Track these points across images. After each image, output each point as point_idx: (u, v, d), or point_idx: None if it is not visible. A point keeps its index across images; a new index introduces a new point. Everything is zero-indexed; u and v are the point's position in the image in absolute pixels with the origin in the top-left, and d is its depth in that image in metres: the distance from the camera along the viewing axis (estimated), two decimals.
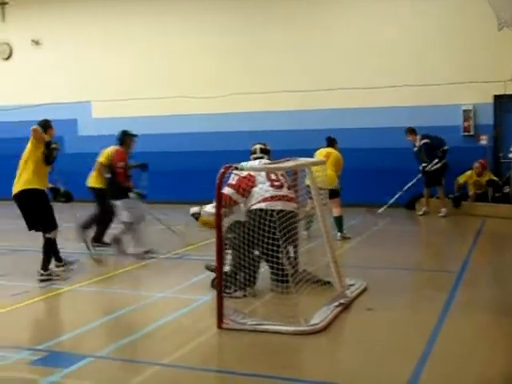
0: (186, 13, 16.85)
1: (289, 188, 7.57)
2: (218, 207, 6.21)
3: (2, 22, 18.48)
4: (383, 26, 15.32)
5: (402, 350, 5.49)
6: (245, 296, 7.13)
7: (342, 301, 6.72)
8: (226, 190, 7.18)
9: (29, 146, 8.33)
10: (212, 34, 16.57)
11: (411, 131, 14.12)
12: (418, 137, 14.02)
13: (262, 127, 15.37)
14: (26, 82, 18.33)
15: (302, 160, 7.63)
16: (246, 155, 8.11)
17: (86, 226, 10.23)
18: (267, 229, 6.95)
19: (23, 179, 8.28)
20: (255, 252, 7.14)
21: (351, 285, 7.41)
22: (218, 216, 6.19)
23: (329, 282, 7.26)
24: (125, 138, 10.01)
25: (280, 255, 6.97)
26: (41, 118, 17.67)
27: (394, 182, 14.30)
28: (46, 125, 8.87)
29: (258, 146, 8.12)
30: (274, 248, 7.00)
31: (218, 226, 6.18)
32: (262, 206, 7.22)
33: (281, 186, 7.46)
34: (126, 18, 17.33)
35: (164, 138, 17.00)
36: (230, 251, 7.34)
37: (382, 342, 5.75)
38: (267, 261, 7.10)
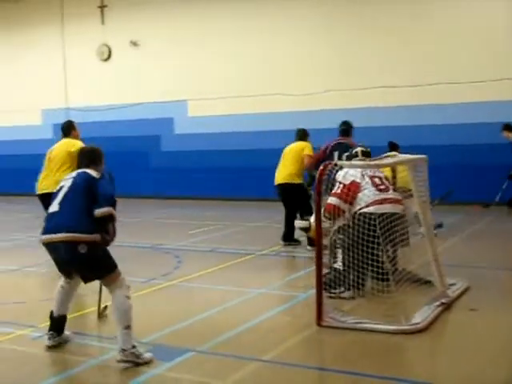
0: (277, 10, 16.86)
1: (394, 190, 7.47)
2: (317, 210, 6.15)
3: (101, 24, 19.05)
4: None
5: (506, 354, 5.30)
6: (353, 298, 6.98)
7: (443, 300, 6.56)
8: (333, 201, 7.14)
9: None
10: (304, 31, 16.52)
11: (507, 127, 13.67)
12: None
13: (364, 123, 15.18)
14: (124, 83, 18.85)
15: (402, 157, 7.50)
16: None
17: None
18: (372, 228, 6.84)
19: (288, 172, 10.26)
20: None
21: (452, 284, 7.22)
22: (318, 219, 6.13)
23: (429, 281, 7.10)
24: None
25: (380, 253, 6.88)
26: (139, 116, 18.47)
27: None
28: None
29: (359, 149, 8.00)
30: (379, 248, 6.90)
31: (318, 232, 6.13)
32: (371, 209, 7.07)
33: (387, 189, 7.35)
34: (220, 18, 17.51)
35: (257, 135, 17.08)
36: (340, 250, 7.32)
37: (485, 345, 5.58)
38: (368, 259, 7.00)
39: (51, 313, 5.69)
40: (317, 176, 6.12)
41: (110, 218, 5.32)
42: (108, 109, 18.91)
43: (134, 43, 18.62)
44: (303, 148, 10.42)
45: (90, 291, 6.48)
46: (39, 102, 20.15)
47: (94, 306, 6.57)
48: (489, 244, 10.29)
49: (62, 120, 19.59)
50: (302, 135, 10.72)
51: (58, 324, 5.68)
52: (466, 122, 14.96)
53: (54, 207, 5.38)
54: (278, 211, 14.55)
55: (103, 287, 6.15)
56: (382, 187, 7.33)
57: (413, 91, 15.32)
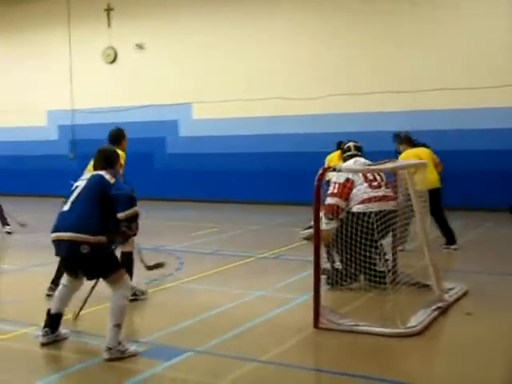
0: (283, 15, 16.96)
1: (387, 187, 7.56)
2: (316, 212, 6.24)
3: (107, 27, 19.18)
4: None
5: (499, 359, 5.38)
6: (360, 288, 7.36)
7: (439, 304, 6.64)
8: (333, 200, 7.25)
9: None
10: (308, 35, 16.62)
11: None
12: None
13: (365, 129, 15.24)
14: (129, 85, 18.97)
15: (402, 162, 7.60)
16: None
17: None
18: (365, 230, 6.98)
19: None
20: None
21: (450, 289, 7.30)
22: (316, 219, 6.22)
23: (427, 285, 7.18)
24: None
25: (377, 256, 6.98)
26: (144, 119, 18.57)
27: None
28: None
29: (351, 144, 8.08)
30: (372, 249, 7.04)
31: (316, 229, 6.22)
32: (360, 208, 7.26)
33: (379, 186, 7.45)
34: (225, 22, 17.62)
35: (262, 138, 17.17)
36: (334, 249, 7.49)
37: (480, 348, 5.65)
38: (364, 262, 7.11)
39: (48, 310, 5.81)
40: (316, 182, 6.20)
41: (136, 218, 5.54)
42: (113, 111, 19.02)
43: (140, 46, 18.74)
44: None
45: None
46: (45, 103, 20.29)
47: (92, 305, 6.66)
48: (488, 250, 10.35)
49: (67, 121, 19.94)
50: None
51: (54, 321, 5.80)
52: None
53: (66, 207, 5.56)
54: (279, 214, 14.72)
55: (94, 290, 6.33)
56: (374, 184, 7.43)
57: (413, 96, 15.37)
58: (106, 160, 5.84)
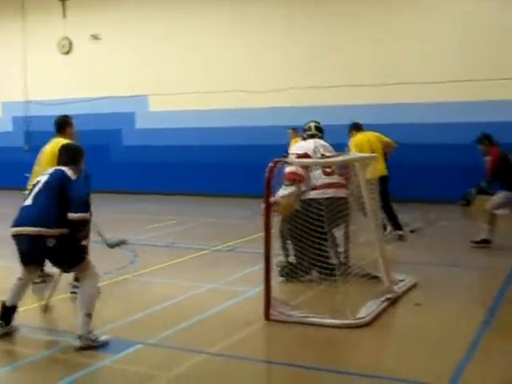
0: (240, 8, 16.94)
1: (340, 175, 7.63)
2: (267, 200, 6.27)
3: (62, 17, 18.91)
4: None
5: (446, 348, 5.48)
6: (311, 281, 7.45)
7: (389, 296, 6.73)
8: (290, 168, 7.28)
9: None
10: (267, 28, 16.63)
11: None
12: None
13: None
14: (85, 76, 18.75)
15: (354, 155, 7.68)
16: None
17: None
18: (315, 217, 7.01)
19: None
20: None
21: (400, 280, 7.41)
22: (267, 209, 6.25)
23: (377, 277, 7.27)
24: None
25: (326, 248, 7.05)
26: (100, 110, 18.38)
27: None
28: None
29: (312, 124, 8.18)
30: (325, 241, 7.08)
31: (266, 222, 6.25)
32: (312, 195, 7.33)
33: (332, 173, 7.53)
34: (182, 13, 17.53)
35: (218, 131, 17.16)
36: (289, 241, 7.53)
37: (428, 339, 5.75)
38: (317, 254, 7.16)
39: (3, 302, 5.76)
40: (267, 173, 6.24)
41: (82, 223, 5.52)
42: (69, 102, 18.79)
43: (95, 37, 18.54)
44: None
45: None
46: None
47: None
48: (438, 242, 10.51)
49: (21, 113, 19.63)
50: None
51: (8, 314, 5.76)
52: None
53: (28, 201, 5.60)
54: (236, 207, 14.75)
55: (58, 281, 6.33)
56: (327, 170, 7.51)
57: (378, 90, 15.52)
58: (70, 157, 5.84)
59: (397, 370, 5.02)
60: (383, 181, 9.76)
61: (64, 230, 5.43)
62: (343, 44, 15.84)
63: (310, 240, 7.11)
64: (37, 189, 5.60)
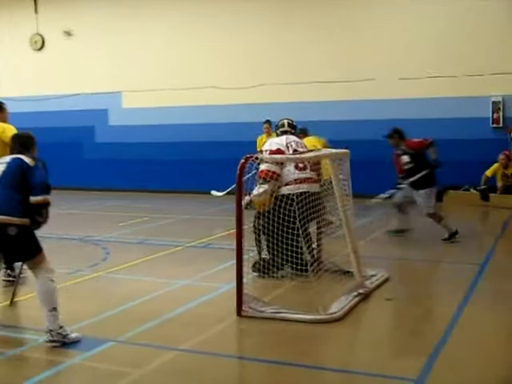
0: (214, 3, 16.90)
1: (312, 170, 7.67)
2: (239, 196, 6.27)
3: (34, 13, 18.72)
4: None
5: (417, 342, 5.53)
6: (282, 277, 7.53)
7: (361, 290, 6.76)
8: (264, 166, 7.28)
9: None
10: (239, 24, 16.63)
11: None
12: None
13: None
14: (57, 73, 18.61)
15: (325, 151, 7.71)
16: None
17: None
18: (292, 214, 7.03)
19: None
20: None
21: (373, 275, 7.45)
22: (238, 205, 6.25)
23: (349, 272, 7.31)
24: None
25: (300, 244, 7.07)
26: (72, 107, 18.24)
27: None
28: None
29: (285, 121, 8.24)
30: (298, 237, 7.10)
31: (237, 218, 6.24)
32: (285, 191, 7.36)
33: (304, 168, 7.57)
34: (155, 9, 17.46)
35: (190, 127, 17.11)
36: (263, 237, 7.55)
37: (398, 333, 5.80)
38: (290, 250, 7.17)
39: None
40: (238, 170, 6.23)
41: (46, 205, 5.52)
42: (41, 99, 18.64)
43: (68, 33, 18.38)
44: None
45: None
46: None
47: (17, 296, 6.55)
48: (411, 237, 10.56)
49: None
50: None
51: None
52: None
53: None
54: (209, 204, 14.71)
55: (21, 276, 6.27)
56: (300, 165, 7.54)
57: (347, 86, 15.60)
58: (23, 145, 5.80)
59: (368, 364, 5.05)
60: None
61: (25, 220, 5.41)
62: (316, 41, 15.90)
63: (283, 236, 7.14)
64: None
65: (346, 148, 7.85)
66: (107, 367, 5.03)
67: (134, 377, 4.86)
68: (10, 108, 17.54)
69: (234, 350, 5.69)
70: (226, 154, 16.00)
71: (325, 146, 10.85)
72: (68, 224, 11.94)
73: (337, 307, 6.23)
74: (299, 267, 7.04)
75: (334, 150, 7.81)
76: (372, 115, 15.30)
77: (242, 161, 6.27)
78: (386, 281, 7.45)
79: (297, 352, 5.36)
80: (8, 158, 5.68)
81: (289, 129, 8.12)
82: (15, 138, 5.98)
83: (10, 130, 7.29)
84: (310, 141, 10.70)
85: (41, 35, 18.85)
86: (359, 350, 5.60)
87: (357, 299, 6.58)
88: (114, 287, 7.63)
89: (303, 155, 7.25)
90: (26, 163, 5.53)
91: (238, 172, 6.19)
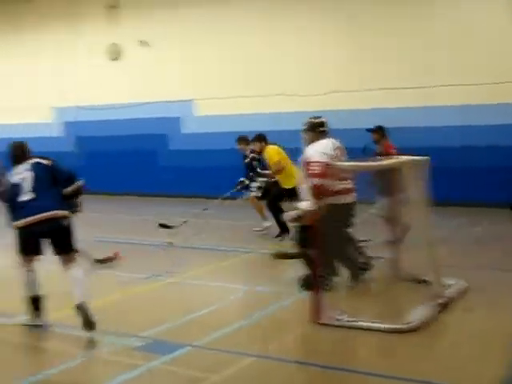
0: (286, 11, 16.92)
1: (349, 179, 7.32)
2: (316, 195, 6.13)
3: (111, 24, 19.16)
4: None
5: (497, 355, 5.38)
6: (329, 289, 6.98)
7: (439, 300, 6.62)
8: (318, 180, 6.75)
9: None
10: (312, 31, 16.58)
11: None
12: None
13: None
14: (132, 82, 18.95)
15: (404, 158, 7.47)
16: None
17: None
18: (340, 223, 6.91)
19: None
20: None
21: (451, 285, 7.27)
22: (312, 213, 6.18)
23: (425, 281, 7.15)
24: None
25: (352, 250, 6.96)
26: (146, 116, 18.55)
27: None
28: None
29: (323, 119, 7.36)
30: (345, 245, 6.99)
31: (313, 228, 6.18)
32: (332, 200, 6.91)
33: (346, 178, 7.21)
34: (228, 18, 17.59)
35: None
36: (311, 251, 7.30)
37: (478, 344, 5.65)
38: (340, 257, 7.02)
39: (31, 297, 6.09)
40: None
41: (81, 191, 6.33)
42: (116, 108, 19.08)
43: (144, 43, 18.70)
44: None
45: None
46: (50, 100, 20.31)
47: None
48: (488, 246, 10.29)
49: (72, 118, 19.95)
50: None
51: (39, 303, 6.14)
52: None
53: (28, 195, 5.99)
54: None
55: None
56: (344, 175, 7.11)
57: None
58: (27, 151, 6.35)
59: (447, 374, 4.94)
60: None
61: (69, 213, 6.11)
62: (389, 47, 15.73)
63: (334, 245, 6.86)
64: (29, 184, 6.01)
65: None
66: (185, 372, 5.08)
67: (211, 382, 4.88)
68: (87, 116, 18.02)
69: (310, 357, 5.63)
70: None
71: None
72: (144, 230, 12.10)
73: (415, 317, 6.12)
74: (357, 271, 6.94)
75: (411, 157, 7.62)
76: None
77: (321, 168, 6.19)
78: (465, 291, 7.26)
79: (374, 361, 5.32)
80: (27, 165, 6.15)
81: (327, 129, 7.36)
82: (15, 148, 6.37)
83: None
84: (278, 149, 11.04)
85: (117, 45, 19.23)
86: (437, 359, 5.46)
87: (435, 309, 6.45)
88: (190, 293, 7.71)
89: (381, 164, 7.04)
90: (46, 164, 6.20)
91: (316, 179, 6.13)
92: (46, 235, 6.00)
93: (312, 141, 7.20)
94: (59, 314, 6.44)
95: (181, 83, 18.17)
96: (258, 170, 11.62)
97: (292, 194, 9.40)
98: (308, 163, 6.92)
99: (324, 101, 15.97)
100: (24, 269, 6.10)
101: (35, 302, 6.11)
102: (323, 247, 6.55)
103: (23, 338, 6.02)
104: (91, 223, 11.08)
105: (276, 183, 11.06)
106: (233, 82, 17.47)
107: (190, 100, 18.24)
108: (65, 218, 6.01)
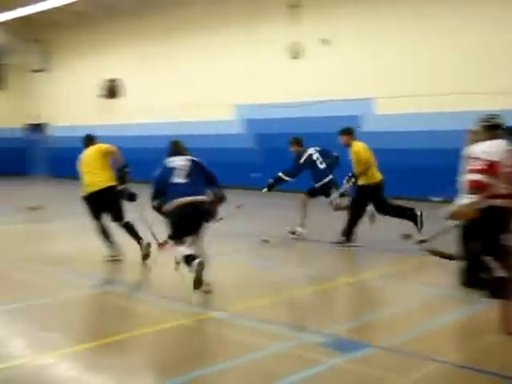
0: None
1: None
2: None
3: (293, 23, 19.40)
4: None
5: None
6: None
7: None
8: (474, 176, 6.27)
9: None
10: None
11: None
12: None
13: None
14: (314, 80, 19.12)
15: None
16: None
17: None
18: (494, 226, 6.34)
19: None
20: None
21: None
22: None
23: None
24: None
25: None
26: (324, 114, 18.61)
27: None
28: None
29: (499, 120, 6.72)
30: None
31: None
32: (492, 202, 6.33)
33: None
34: (402, 16, 17.30)
35: (440, 134, 16.60)
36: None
37: None
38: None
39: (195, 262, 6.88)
40: None
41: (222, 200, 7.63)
42: (292, 106, 19.34)
43: (325, 41, 18.75)
44: None
45: None
46: (230, 98, 21.01)
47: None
48: None
49: (252, 116, 20.47)
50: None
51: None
52: None
53: (182, 179, 7.31)
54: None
55: None
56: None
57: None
58: (182, 147, 7.80)
59: None
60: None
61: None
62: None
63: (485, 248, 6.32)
64: (185, 171, 7.35)
65: None
66: (369, 372, 4.99)
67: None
68: (265, 114, 18.41)
69: (505, 369, 5.29)
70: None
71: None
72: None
73: None
74: None
75: None
76: None
77: None
78: None
79: None
80: (185, 158, 7.54)
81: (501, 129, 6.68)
82: (178, 143, 7.86)
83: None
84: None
85: (298, 43, 19.44)
86: None
87: None
88: (370, 294, 7.64)
89: None
90: (199, 160, 7.60)
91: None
92: (194, 219, 7.28)
93: (483, 139, 6.74)
94: (241, 305, 6.62)
95: (361, 82, 18.06)
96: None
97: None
98: (475, 159, 6.48)
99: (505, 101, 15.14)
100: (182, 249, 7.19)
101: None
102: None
103: (212, 327, 6.22)
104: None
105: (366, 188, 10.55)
106: (414, 79, 17.09)
107: (369, 98, 18.08)
108: (205, 203, 7.31)
